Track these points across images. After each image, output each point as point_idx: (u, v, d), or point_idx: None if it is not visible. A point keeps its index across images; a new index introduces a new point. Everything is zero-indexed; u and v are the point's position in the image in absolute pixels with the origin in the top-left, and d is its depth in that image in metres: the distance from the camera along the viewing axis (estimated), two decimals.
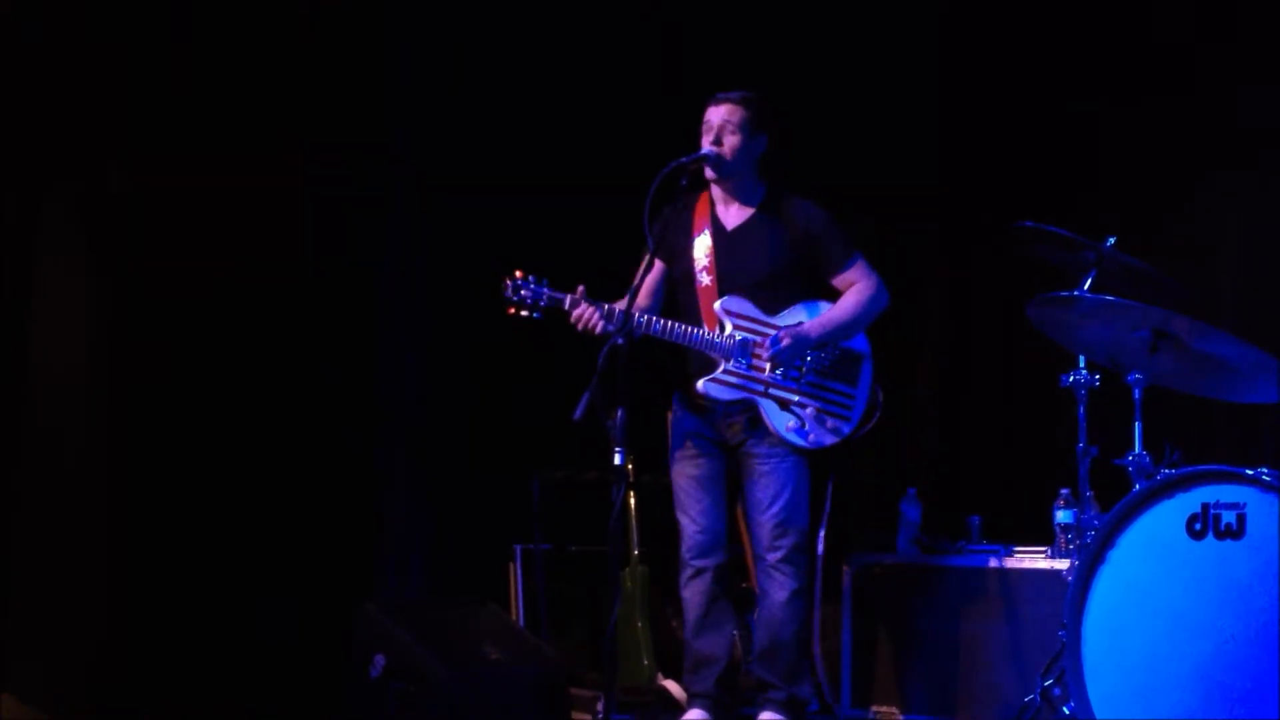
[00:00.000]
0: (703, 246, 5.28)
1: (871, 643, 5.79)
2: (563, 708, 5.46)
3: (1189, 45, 6.07)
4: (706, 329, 5.18)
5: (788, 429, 5.16)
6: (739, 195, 5.31)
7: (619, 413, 4.49)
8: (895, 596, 5.77)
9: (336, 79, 6.33)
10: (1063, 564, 5.37)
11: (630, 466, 5.63)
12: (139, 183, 6.01)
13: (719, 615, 5.24)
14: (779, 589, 5.18)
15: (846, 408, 5.24)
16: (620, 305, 5.04)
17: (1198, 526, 4.56)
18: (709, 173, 5.22)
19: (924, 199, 6.63)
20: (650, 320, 5.11)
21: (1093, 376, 5.21)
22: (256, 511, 6.11)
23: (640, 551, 6.19)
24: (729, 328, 5.18)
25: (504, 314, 5.09)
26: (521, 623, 6.20)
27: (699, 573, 5.22)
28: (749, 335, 5.18)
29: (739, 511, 5.94)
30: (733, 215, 5.32)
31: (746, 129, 5.19)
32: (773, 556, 5.18)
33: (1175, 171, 6.09)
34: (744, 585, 6.05)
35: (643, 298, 5.27)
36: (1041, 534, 5.57)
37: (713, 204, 5.34)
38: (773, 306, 5.22)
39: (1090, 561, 4.67)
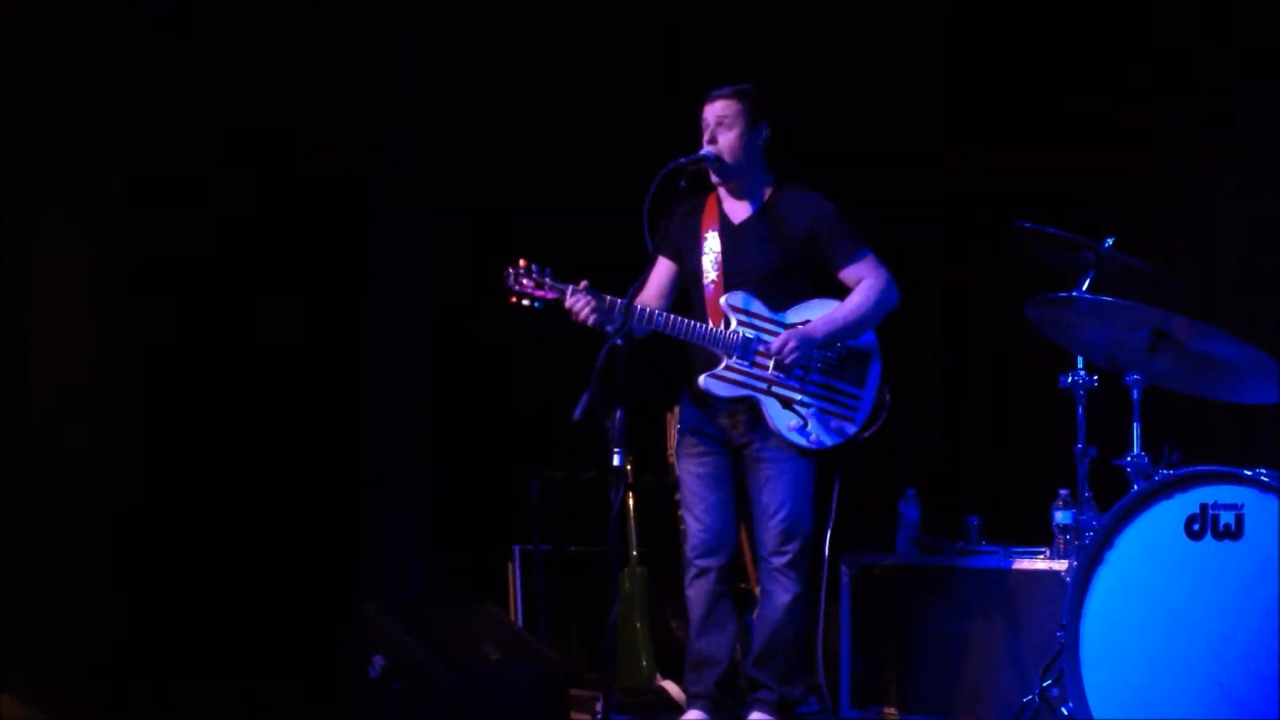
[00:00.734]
0: (711, 243, 5.24)
1: (871, 643, 5.79)
2: (562, 708, 5.46)
3: (1189, 46, 6.07)
4: (711, 324, 5.17)
5: (789, 428, 5.13)
6: (746, 190, 5.28)
7: (618, 413, 4.48)
8: (894, 597, 5.77)
9: (336, 78, 6.33)
10: (1061, 564, 5.37)
11: (629, 467, 5.63)
12: (139, 182, 6.01)
13: (722, 615, 5.21)
14: (783, 591, 5.15)
15: (851, 408, 5.20)
16: (621, 300, 5.02)
17: (1196, 527, 4.56)
18: (712, 174, 5.20)
19: (923, 199, 6.63)
20: (652, 314, 5.07)
21: (1091, 377, 5.21)
22: (256, 511, 6.11)
23: (639, 552, 6.19)
24: (734, 323, 5.16)
25: (505, 305, 5.05)
26: (521, 623, 6.20)
27: (703, 572, 5.20)
28: (754, 331, 5.15)
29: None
30: (740, 210, 5.28)
31: (744, 121, 5.16)
32: (778, 560, 5.16)
33: (1175, 170, 6.09)
34: (743, 586, 6.06)
35: (653, 298, 5.26)
36: (1040, 534, 5.57)
37: (720, 201, 5.31)
38: (779, 302, 5.18)
39: (1089, 562, 4.67)
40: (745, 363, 5.12)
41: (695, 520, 5.21)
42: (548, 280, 5.03)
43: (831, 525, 5.40)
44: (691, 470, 5.23)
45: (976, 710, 5.51)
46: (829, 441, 5.16)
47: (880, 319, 5.23)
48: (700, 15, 6.65)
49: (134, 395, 6.01)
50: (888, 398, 5.25)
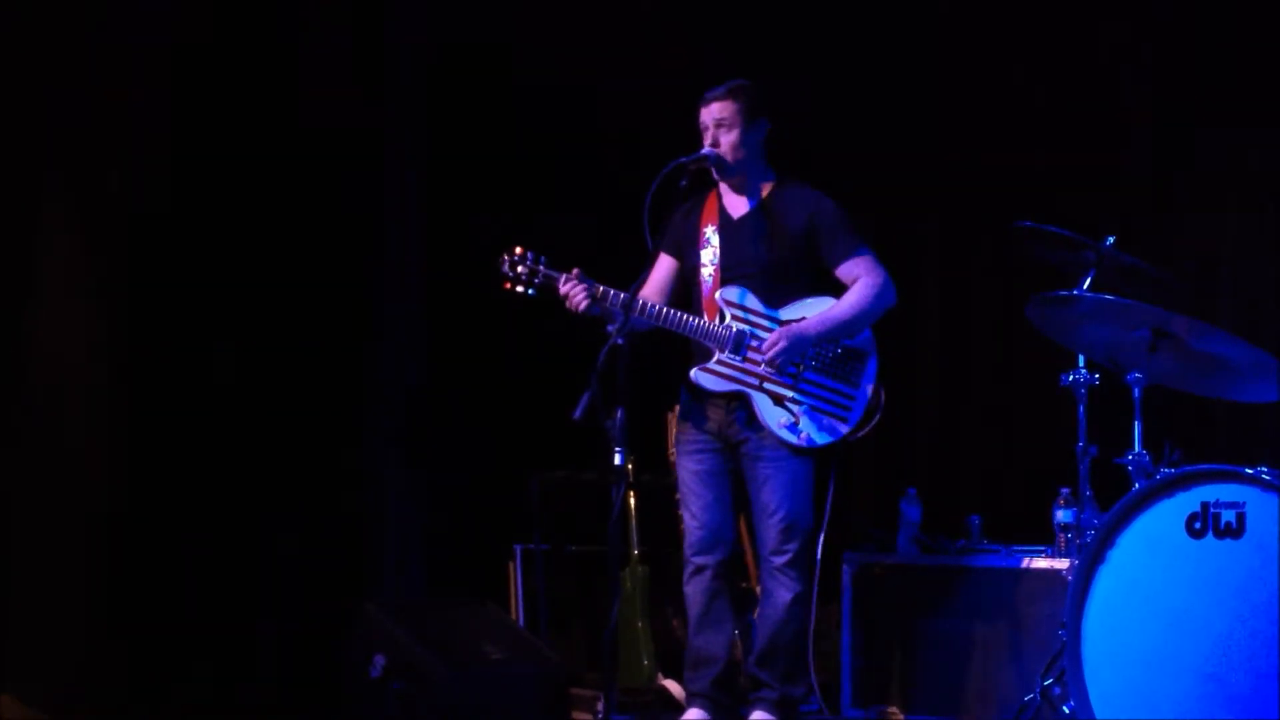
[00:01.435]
0: (709, 238, 5.23)
1: (871, 642, 5.78)
2: (563, 708, 5.46)
3: (1189, 45, 6.07)
4: (705, 318, 5.16)
5: (780, 425, 5.09)
6: (746, 187, 5.26)
7: (618, 413, 4.48)
8: (895, 596, 5.77)
9: (335, 74, 6.33)
10: (1063, 563, 5.37)
11: (630, 466, 5.63)
12: (138, 181, 6.01)
13: (719, 613, 5.20)
14: (784, 590, 5.14)
15: (844, 408, 5.17)
16: (615, 290, 5.02)
17: (1197, 525, 4.56)
18: (714, 173, 5.20)
19: (924, 198, 6.63)
20: (646, 306, 5.06)
21: (1092, 376, 5.21)
22: (256, 511, 6.10)
23: (640, 551, 6.19)
24: (728, 317, 5.14)
25: (505, 304, 5.06)
26: (521, 623, 6.20)
27: (700, 570, 5.19)
28: (747, 327, 5.14)
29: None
30: (739, 206, 5.27)
31: (742, 119, 5.15)
32: (779, 560, 5.14)
33: (1175, 170, 6.09)
34: (744, 585, 6.05)
35: (654, 294, 5.24)
36: (1041, 533, 5.57)
37: (720, 198, 5.30)
38: (775, 298, 5.16)
39: (1090, 561, 4.67)
40: (737, 358, 5.10)
41: (692, 517, 5.20)
42: (542, 268, 5.03)
43: (827, 525, 5.39)
44: (688, 467, 5.23)
45: (978, 709, 5.51)
46: (820, 440, 5.12)
47: (876, 318, 5.19)
48: (700, 14, 6.65)
49: (133, 394, 6.00)
50: (882, 398, 5.22)
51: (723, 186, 5.29)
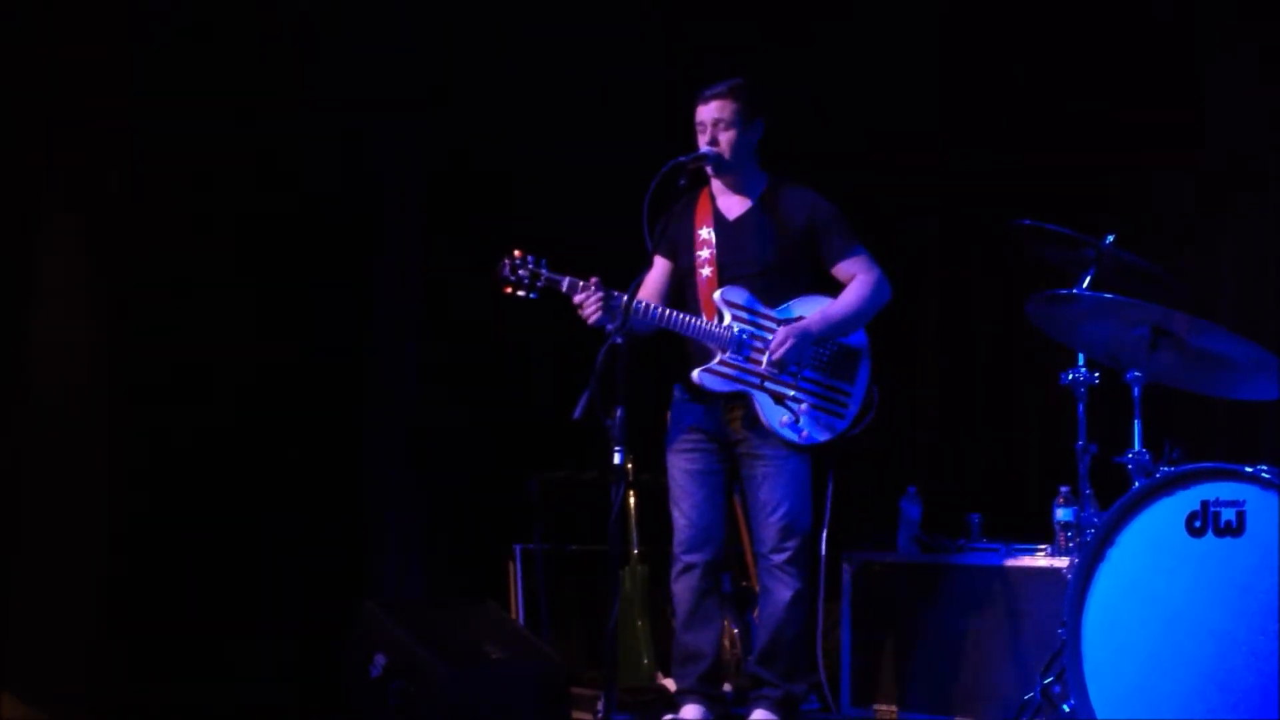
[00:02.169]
0: (704, 239, 5.25)
1: (871, 641, 5.79)
2: (563, 707, 5.46)
3: (1190, 44, 6.07)
4: (706, 319, 5.16)
5: (781, 423, 5.13)
6: (740, 186, 5.29)
7: (618, 412, 4.48)
8: (895, 595, 5.78)
9: (336, 72, 6.33)
10: (1062, 562, 5.37)
11: (629, 466, 5.63)
12: (138, 179, 6.00)
13: (708, 611, 5.22)
14: (784, 589, 5.16)
15: (842, 404, 5.21)
16: (619, 292, 5.02)
17: (1197, 524, 4.56)
18: (710, 171, 5.21)
19: (924, 196, 6.63)
20: (648, 308, 5.07)
21: (1092, 374, 5.21)
22: (256, 511, 6.10)
23: (640, 551, 6.19)
24: (728, 318, 5.16)
25: (504, 304, 5.05)
26: (522, 622, 6.20)
27: (688, 568, 5.20)
28: (748, 327, 5.15)
29: (738, 511, 5.95)
30: (734, 206, 5.29)
31: (740, 120, 5.17)
32: (778, 558, 5.16)
33: (1175, 168, 6.09)
34: (744, 584, 6.06)
35: (651, 296, 5.26)
36: (1041, 532, 5.57)
37: (713, 197, 5.32)
38: (773, 298, 5.19)
39: (1090, 559, 4.67)
40: (739, 358, 5.12)
41: (681, 515, 5.22)
42: (543, 272, 5.03)
43: (828, 523, 5.41)
44: (681, 466, 5.23)
45: (978, 707, 5.51)
46: (820, 438, 5.17)
47: (873, 315, 5.26)
48: (700, 12, 6.65)
49: (133, 394, 5.99)
50: (877, 396, 5.28)
51: (715, 186, 5.30)
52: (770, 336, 5.13)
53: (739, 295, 5.16)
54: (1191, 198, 6.10)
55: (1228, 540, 4.51)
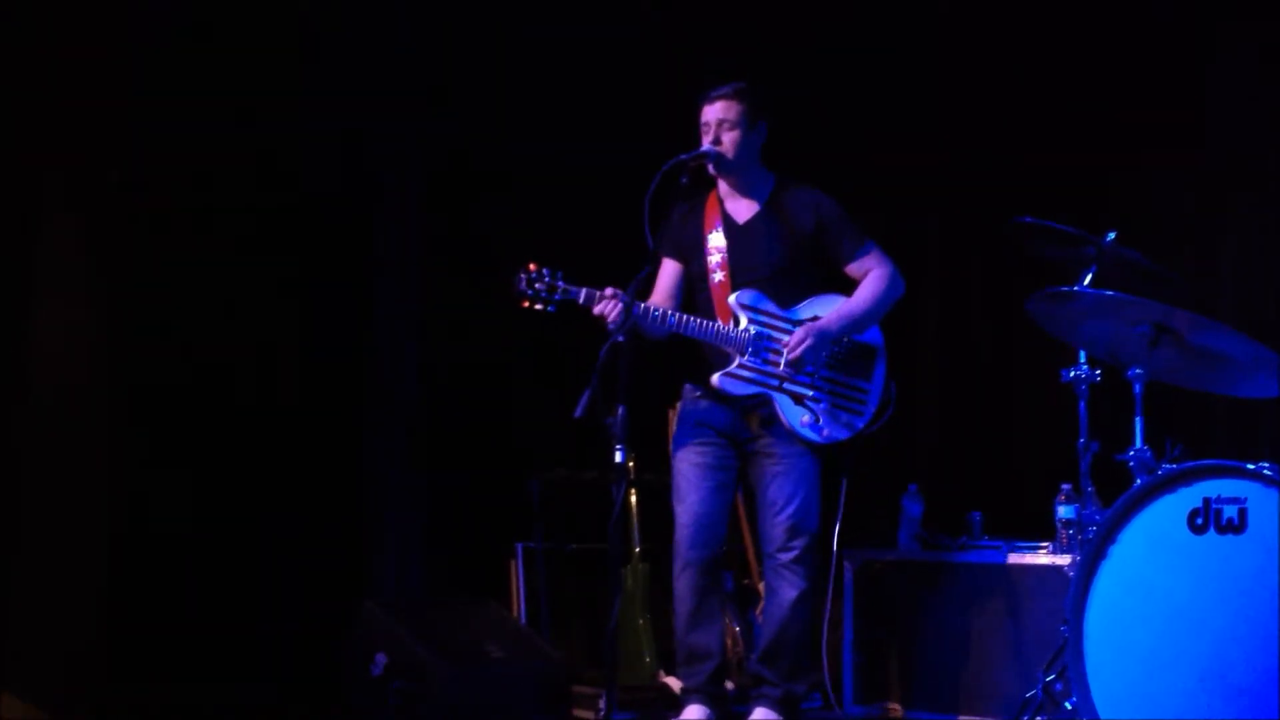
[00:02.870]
0: (715, 242, 5.25)
1: (874, 639, 5.79)
2: (564, 705, 5.46)
3: (1190, 43, 6.07)
4: (721, 323, 5.17)
5: (802, 424, 5.15)
6: (747, 189, 5.29)
7: (620, 410, 4.48)
8: (897, 592, 5.78)
9: (335, 72, 6.33)
10: (1064, 559, 5.37)
11: (631, 464, 5.64)
12: (138, 179, 6.00)
13: (710, 609, 5.20)
14: (789, 588, 5.15)
15: (860, 402, 5.22)
16: (645, 303, 5.02)
17: (1199, 521, 4.56)
18: (711, 169, 5.21)
19: (924, 195, 6.63)
20: (665, 314, 5.07)
21: (1093, 372, 5.20)
22: (256, 510, 6.10)
23: (641, 549, 6.19)
24: (744, 322, 5.16)
25: (505, 303, 5.04)
26: (523, 621, 6.20)
27: (690, 564, 5.19)
28: (764, 329, 5.16)
29: (741, 510, 5.95)
30: (743, 209, 5.29)
31: (745, 122, 5.17)
32: (785, 557, 5.15)
33: (1175, 167, 6.09)
34: (745, 582, 6.05)
35: (663, 300, 5.27)
36: (1043, 529, 5.57)
37: (721, 200, 5.32)
38: (787, 299, 5.20)
39: (1092, 557, 4.67)
40: (757, 360, 5.13)
41: (685, 511, 5.20)
42: (560, 284, 4.99)
43: (840, 522, 5.40)
44: (688, 460, 5.22)
45: (980, 705, 5.51)
46: (840, 436, 5.19)
47: (888, 309, 5.28)
48: (701, 11, 6.65)
49: (134, 394, 5.99)
50: (894, 392, 5.28)
51: (723, 189, 5.30)
52: (786, 338, 5.14)
53: (754, 298, 5.17)
54: (1191, 198, 6.10)
55: (1229, 537, 4.51)
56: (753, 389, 5.14)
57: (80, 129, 5.91)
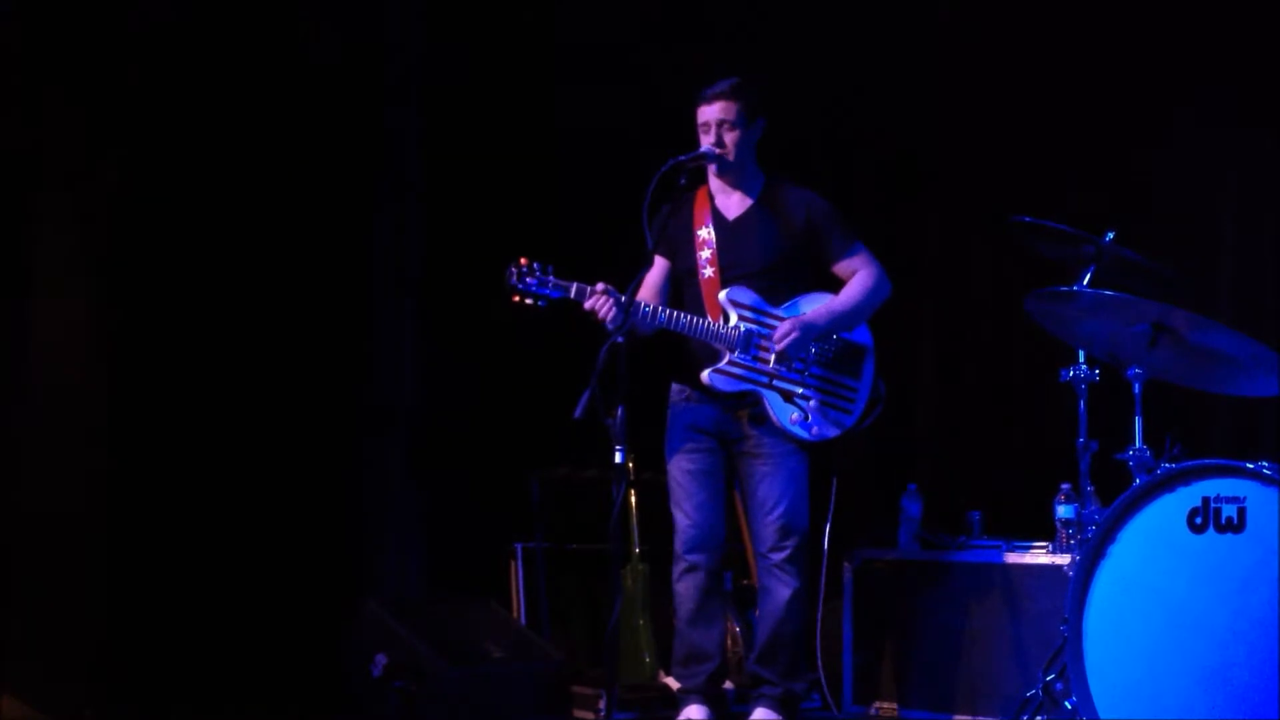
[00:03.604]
0: (704, 239, 5.25)
1: (873, 638, 5.79)
2: (564, 705, 5.47)
3: (1190, 43, 6.07)
4: (711, 320, 5.16)
5: (791, 421, 5.15)
6: (739, 186, 5.29)
7: (619, 411, 4.48)
8: (896, 592, 5.78)
9: (333, 70, 6.32)
10: (1064, 559, 5.37)
11: (630, 464, 5.64)
12: (136, 179, 6.00)
13: (711, 611, 5.22)
14: (783, 587, 5.16)
15: (849, 400, 5.23)
16: (636, 297, 5.02)
17: (1198, 520, 4.56)
18: (712, 169, 5.21)
19: (924, 193, 6.63)
20: (656, 310, 5.07)
21: (1092, 371, 5.20)
22: (256, 510, 6.10)
23: (641, 549, 6.19)
24: (734, 318, 5.16)
25: (507, 305, 5.03)
26: (523, 621, 6.20)
27: (692, 568, 5.20)
28: (754, 326, 5.16)
29: (739, 509, 5.95)
30: (733, 206, 5.29)
31: (743, 120, 5.17)
32: (777, 556, 5.17)
33: (1176, 166, 6.09)
34: (745, 582, 6.06)
35: (650, 296, 5.26)
36: (1042, 529, 5.57)
37: (712, 197, 5.32)
38: (776, 296, 5.20)
39: (1091, 556, 4.67)
40: (747, 357, 5.13)
41: (684, 515, 5.21)
42: (551, 279, 5.00)
43: (830, 521, 5.41)
44: (683, 466, 5.23)
45: (979, 704, 5.51)
46: (829, 434, 5.20)
47: (875, 310, 5.29)
48: (701, 10, 6.65)
49: (133, 394, 5.99)
50: (883, 390, 5.29)
51: (713, 185, 5.30)
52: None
53: (744, 295, 5.17)
54: (1190, 197, 6.10)
55: (1229, 536, 4.51)
56: (742, 385, 5.13)
57: (78, 127, 5.91)
